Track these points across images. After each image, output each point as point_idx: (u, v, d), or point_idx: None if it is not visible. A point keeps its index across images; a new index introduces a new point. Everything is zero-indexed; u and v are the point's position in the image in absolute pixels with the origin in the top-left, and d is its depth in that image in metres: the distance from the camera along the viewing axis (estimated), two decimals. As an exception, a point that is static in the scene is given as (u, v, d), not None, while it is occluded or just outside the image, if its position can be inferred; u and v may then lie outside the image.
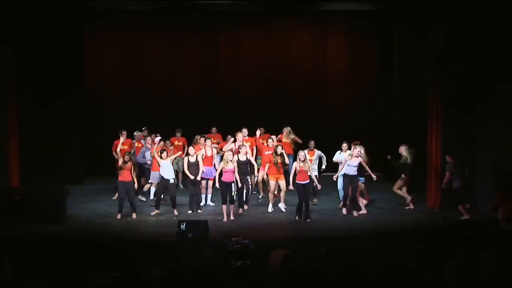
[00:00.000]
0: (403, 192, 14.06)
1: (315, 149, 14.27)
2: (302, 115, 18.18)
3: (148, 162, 14.39)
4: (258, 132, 14.93)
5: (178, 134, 15.75)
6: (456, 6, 13.33)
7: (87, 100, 17.35)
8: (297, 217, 12.99)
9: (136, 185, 13.26)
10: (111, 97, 18.08)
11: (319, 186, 13.53)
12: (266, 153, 14.06)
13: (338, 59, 18.38)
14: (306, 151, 13.71)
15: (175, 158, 14.26)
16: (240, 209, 13.38)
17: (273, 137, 14.47)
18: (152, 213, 13.41)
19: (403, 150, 13.86)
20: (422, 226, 12.45)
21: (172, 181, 13.41)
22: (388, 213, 13.73)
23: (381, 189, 14.89)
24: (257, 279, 7.62)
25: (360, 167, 13.20)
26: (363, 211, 13.46)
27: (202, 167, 13.62)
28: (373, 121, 17.92)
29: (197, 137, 14.46)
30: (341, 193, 13.74)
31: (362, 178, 13.56)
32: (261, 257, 9.19)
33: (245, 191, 13.42)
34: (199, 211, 13.66)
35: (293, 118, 17.76)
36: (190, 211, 13.64)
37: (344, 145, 13.86)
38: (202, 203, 14.07)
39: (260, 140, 14.78)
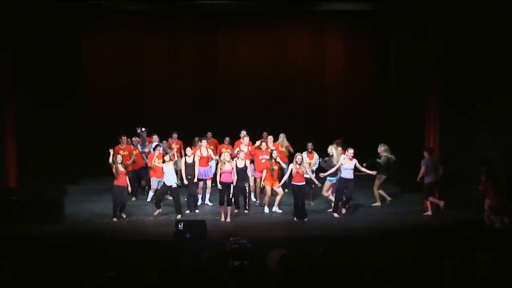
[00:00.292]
0: (383, 192, 14.10)
1: (314, 152, 14.25)
2: (299, 115, 18.22)
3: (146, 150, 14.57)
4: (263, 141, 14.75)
5: (175, 136, 15.69)
6: (454, 7, 13.34)
7: (85, 100, 17.35)
8: (295, 218, 12.99)
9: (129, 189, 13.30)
10: (109, 97, 18.07)
11: (319, 184, 13.50)
12: (261, 157, 14.02)
13: (336, 59, 18.40)
14: (304, 153, 13.70)
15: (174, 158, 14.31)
16: (237, 210, 13.35)
17: (270, 137, 14.47)
18: (155, 213, 13.39)
19: (382, 150, 13.98)
20: (419, 226, 12.45)
21: (175, 185, 13.33)
22: (385, 213, 13.74)
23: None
24: (255, 279, 7.61)
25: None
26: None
27: (197, 169, 13.62)
28: (371, 121, 17.93)
29: (196, 139, 14.52)
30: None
31: (333, 178, 13.46)
32: (259, 257, 9.19)
33: (242, 197, 13.38)
34: (196, 211, 13.66)
35: (290, 118, 17.82)
36: (188, 211, 13.64)
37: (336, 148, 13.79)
38: (199, 203, 14.10)
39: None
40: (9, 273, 8.05)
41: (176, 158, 14.18)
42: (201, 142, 14.16)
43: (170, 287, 7.39)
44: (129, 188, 13.27)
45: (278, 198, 13.64)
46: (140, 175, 15.07)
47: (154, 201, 13.79)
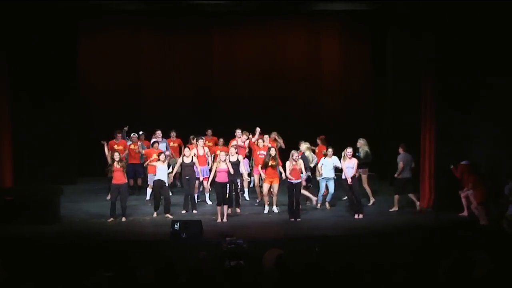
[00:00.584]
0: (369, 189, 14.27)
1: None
2: (295, 115, 18.21)
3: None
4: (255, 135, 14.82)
5: (173, 135, 15.74)
6: (449, 7, 13.35)
7: (81, 100, 17.33)
8: (291, 219, 12.99)
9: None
10: (105, 97, 18.04)
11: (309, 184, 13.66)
12: (259, 152, 14.06)
13: (332, 60, 18.42)
14: (298, 151, 13.71)
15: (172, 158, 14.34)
16: (229, 209, 13.34)
17: (266, 136, 14.48)
18: (154, 215, 13.37)
19: (361, 144, 14.22)
20: (415, 226, 12.47)
21: (166, 183, 13.40)
22: (382, 212, 13.75)
23: (375, 188, 14.87)
24: (251, 279, 7.62)
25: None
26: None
27: (199, 168, 13.67)
28: (367, 121, 17.95)
29: (190, 138, 14.55)
30: (321, 196, 14.00)
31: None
32: (255, 257, 9.19)
33: (234, 192, 13.40)
34: (194, 211, 13.65)
35: (286, 118, 17.81)
36: (184, 211, 13.63)
37: (330, 151, 13.83)
38: (197, 201, 14.09)
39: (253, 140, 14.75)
40: (5, 274, 8.04)
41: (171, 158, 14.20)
42: (197, 141, 14.15)
43: (166, 287, 7.39)
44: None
45: (275, 199, 13.66)
46: (137, 171, 15.07)
47: (152, 201, 13.75)
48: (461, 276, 7.30)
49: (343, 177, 13.30)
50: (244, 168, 13.75)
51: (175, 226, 11.54)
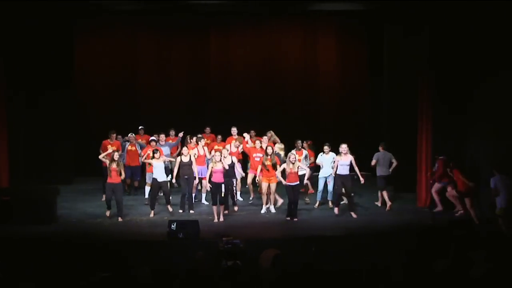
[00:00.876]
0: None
1: (302, 149, 14.26)
2: (292, 115, 18.21)
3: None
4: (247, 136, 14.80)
5: (172, 133, 15.71)
6: (445, 7, 13.37)
7: (77, 100, 17.30)
8: (288, 218, 13.00)
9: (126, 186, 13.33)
10: (101, 97, 18.02)
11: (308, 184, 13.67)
12: (255, 155, 14.03)
13: (329, 60, 18.42)
14: (294, 151, 13.71)
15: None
16: (226, 210, 13.35)
17: (265, 138, 14.48)
18: (151, 215, 13.35)
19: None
20: (412, 226, 12.47)
21: (165, 180, 13.41)
22: (378, 212, 13.76)
23: (371, 189, 14.88)
24: (248, 279, 7.61)
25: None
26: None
27: (195, 167, 13.65)
28: (363, 121, 17.97)
29: (187, 137, 14.51)
30: (319, 196, 14.04)
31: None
32: (252, 257, 9.19)
33: (229, 193, 13.40)
34: (191, 211, 13.64)
35: (282, 118, 17.79)
36: (181, 211, 13.62)
37: (326, 148, 13.83)
38: (194, 201, 14.08)
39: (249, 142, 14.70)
40: (1, 274, 8.02)
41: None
42: (197, 141, 14.14)
43: (163, 287, 7.38)
44: (123, 175, 13.17)
45: (272, 198, 13.64)
46: (134, 173, 15.06)
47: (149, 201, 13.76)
48: (458, 276, 7.31)
49: (339, 172, 13.23)
50: (238, 171, 13.77)
51: (172, 226, 11.52)
